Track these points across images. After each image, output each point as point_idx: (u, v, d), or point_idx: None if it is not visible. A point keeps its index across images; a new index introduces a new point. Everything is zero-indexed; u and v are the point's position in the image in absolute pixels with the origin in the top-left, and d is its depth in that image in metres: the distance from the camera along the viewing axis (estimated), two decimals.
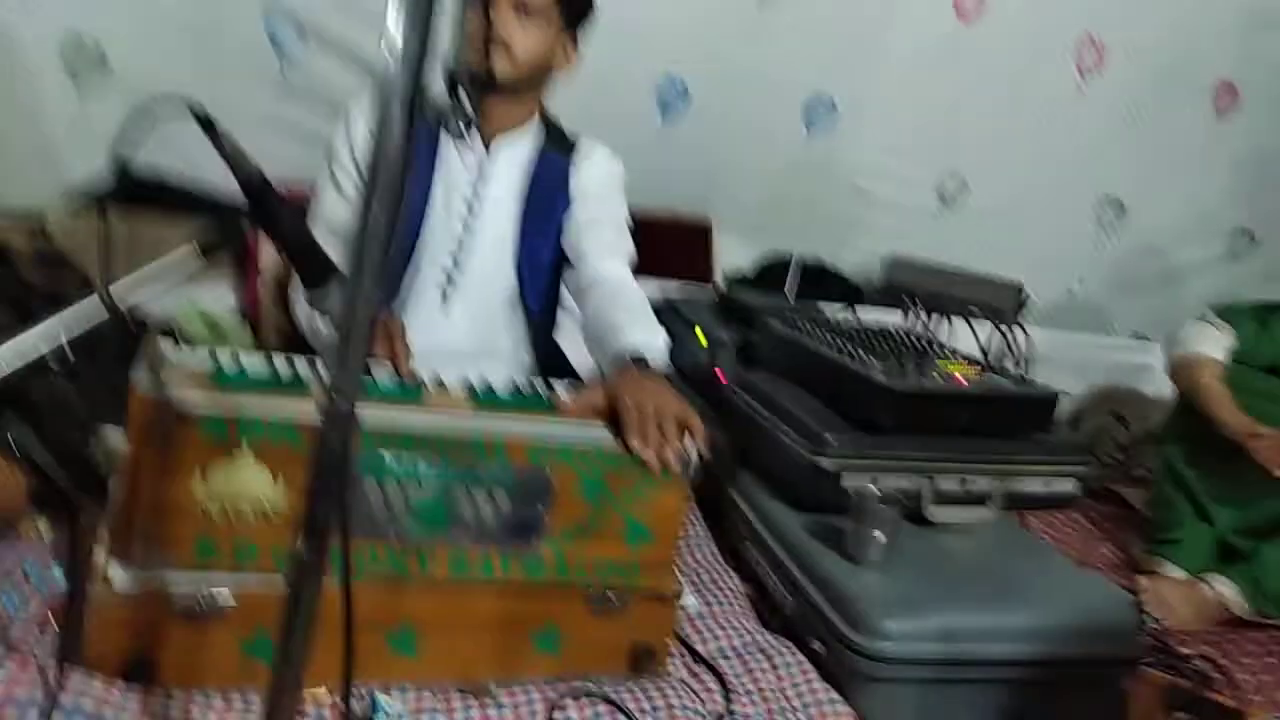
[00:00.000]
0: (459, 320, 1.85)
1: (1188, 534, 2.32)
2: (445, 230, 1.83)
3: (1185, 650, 1.96)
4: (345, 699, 1.05)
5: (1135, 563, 2.41)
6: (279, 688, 0.91)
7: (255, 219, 1.09)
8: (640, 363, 1.47)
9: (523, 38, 1.69)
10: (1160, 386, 2.93)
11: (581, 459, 1.31)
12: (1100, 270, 3.53)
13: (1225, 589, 2.15)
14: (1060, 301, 3.53)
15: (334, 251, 1.65)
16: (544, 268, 1.90)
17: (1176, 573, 2.26)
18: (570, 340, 2.16)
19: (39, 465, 1.60)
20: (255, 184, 1.07)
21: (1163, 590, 2.14)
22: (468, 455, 1.26)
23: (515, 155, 1.84)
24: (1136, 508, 2.67)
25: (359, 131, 1.79)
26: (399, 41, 0.78)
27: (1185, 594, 2.15)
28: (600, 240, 1.82)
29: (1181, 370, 2.39)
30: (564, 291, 1.99)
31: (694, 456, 1.36)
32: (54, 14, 2.26)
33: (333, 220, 1.77)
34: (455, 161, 1.82)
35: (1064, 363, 2.89)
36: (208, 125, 1.01)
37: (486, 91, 1.73)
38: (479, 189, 1.82)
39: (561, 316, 2.14)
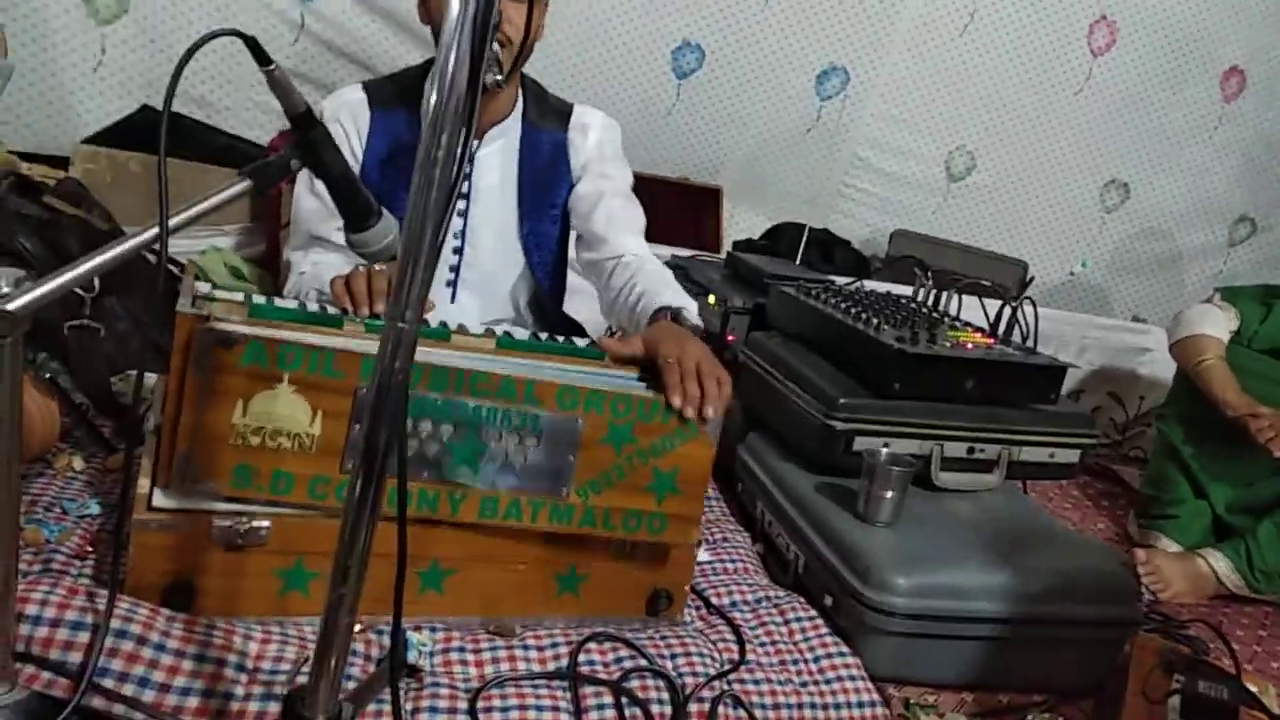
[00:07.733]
0: (468, 307, 1.85)
1: (1185, 510, 2.37)
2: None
3: (1183, 620, 2.01)
4: (395, 634, 1.06)
5: (1131, 537, 2.46)
6: (332, 624, 0.90)
7: (302, 154, 1.09)
8: (678, 319, 1.50)
9: (518, 20, 1.61)
10: (1156, 369, 2.98)
11: (612, 406, 1.31)
12: (1103, 252, 3.57)
13: (1219, 564, 2.19)
14: (1062, 282, 3.58)
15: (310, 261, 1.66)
16: (551, 244, 1.90)
17: (1173, 547, 2.31)
18: (579, 303, 2.17)
19: (73, 401, 1.62)
20: (303, 117, 1.08)
21: (1159, 563, 2.18)
22: (501, 396, 1.26)
23: (505, 140, 1.81)
24: (1132, 486, 2.72)
25: (345, 139, 1.73)
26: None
27: (1181, 567, 2.19)
28: (614, 217, 1.82)
29: (1186, 349, 2.41)
30: (572, 254, 1.98)
31: (712, 413, 1.35)
32: None
33: (315, 229, 1.72)
34: None
35: (1064, 342, 2.93)
36: (261, 55, 1.02)
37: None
38: (474, 179, 1.80)
39: (572, 279, 2.14)
